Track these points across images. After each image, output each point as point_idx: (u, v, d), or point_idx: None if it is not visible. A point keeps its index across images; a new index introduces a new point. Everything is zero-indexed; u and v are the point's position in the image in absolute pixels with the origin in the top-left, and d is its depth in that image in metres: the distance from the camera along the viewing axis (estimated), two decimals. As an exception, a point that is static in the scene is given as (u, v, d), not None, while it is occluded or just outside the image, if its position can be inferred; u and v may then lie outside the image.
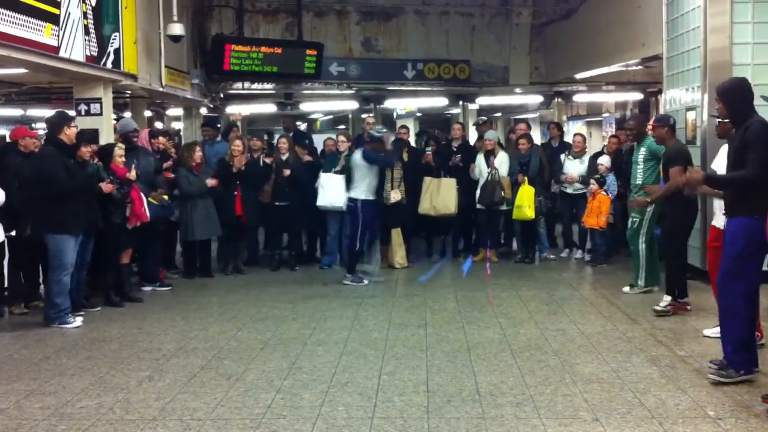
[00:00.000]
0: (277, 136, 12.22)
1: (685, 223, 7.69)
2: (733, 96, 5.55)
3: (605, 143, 11.82)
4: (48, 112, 10.16)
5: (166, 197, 9.29)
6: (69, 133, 7.64)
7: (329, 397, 5.32)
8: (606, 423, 4.75)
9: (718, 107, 5.67)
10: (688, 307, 7.65)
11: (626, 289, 8.68)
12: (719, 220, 6.32)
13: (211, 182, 9.87)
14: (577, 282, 9.72)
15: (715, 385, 5.40)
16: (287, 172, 10.30)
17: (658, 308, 7.60)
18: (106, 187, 8.01)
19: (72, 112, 9.87)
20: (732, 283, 5.46)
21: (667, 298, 7.63)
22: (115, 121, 10.79)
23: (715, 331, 6.59)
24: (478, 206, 10.88)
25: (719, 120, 6.44)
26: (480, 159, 10.88)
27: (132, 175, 8.37)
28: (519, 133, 11.59)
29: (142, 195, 8.56)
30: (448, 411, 5.02)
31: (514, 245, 11.66)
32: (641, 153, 8.45)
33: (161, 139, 10.14)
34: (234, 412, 5.07)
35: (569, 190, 10.99)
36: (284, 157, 10.48)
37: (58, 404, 5.28)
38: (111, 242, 8.37)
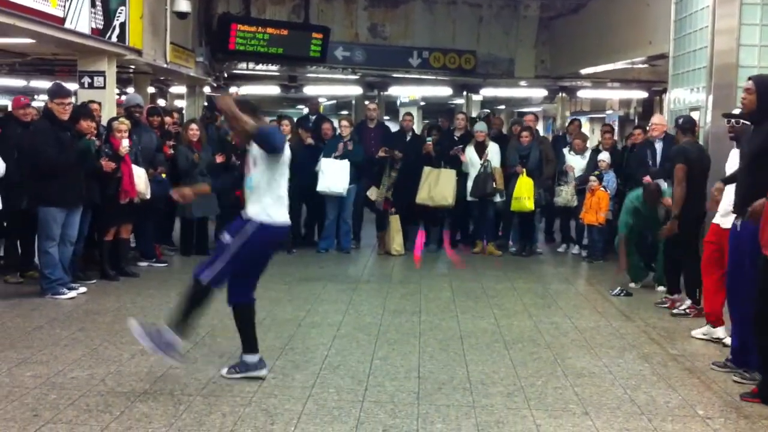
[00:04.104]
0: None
1: (695, 221, 7.40)
2: None
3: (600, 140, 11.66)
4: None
5: (164, 175, 9.20)
6: (54, 107, 7.49)
7: (320, 379, 5.32)
8: (595, 417, 4.76)
9: (745, 97, 5.34)
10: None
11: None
12: (725, 220, 6.01)
13: (219, 158, 9.84)
14: (573, 277, 9.73)
15: (707, 384, 5.42)
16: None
17: (676, 311, 7.44)
18: (107, 165, 8.00)
19: (74, 86, 9.86)
20: (750, 289, 5.27)
21: (687, 302, 7.45)
22: (118, 96, 10.75)
23: (703, 332, 6.58)
24: (470, 198, 10.81)
25: (733, 122, 6.22)
26: (471, 151, 10.77)
27: (122, 149, 8.22)
28: (526, 124, 11.49)
29: (136, 170, 8.46)
30: (439, 398, 5.03)
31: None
32: None
33: (168, 119, 10.11)
34: (225, 390, 5.07)
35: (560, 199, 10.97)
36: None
37: (50, 374, 5.29)
38: (103, 215, 8.36)
